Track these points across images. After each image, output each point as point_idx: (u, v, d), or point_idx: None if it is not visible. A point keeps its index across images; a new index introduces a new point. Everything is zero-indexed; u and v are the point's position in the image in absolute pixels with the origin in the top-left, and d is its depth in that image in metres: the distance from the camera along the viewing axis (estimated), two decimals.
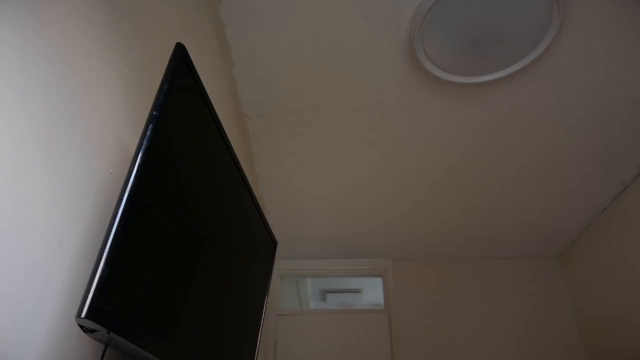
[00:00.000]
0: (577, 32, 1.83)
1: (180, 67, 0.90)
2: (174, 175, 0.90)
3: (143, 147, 0.78)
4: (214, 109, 1.11)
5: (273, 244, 1.71)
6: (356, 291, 4.12)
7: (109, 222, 0.70)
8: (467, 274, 3.63)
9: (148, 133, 0.80)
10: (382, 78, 2.05)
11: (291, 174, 2.71)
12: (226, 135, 1.20)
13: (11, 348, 0.66)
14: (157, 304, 0.86)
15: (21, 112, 0.69)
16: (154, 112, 0.82)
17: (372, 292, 3.78)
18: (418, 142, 2.44)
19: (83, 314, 0.62)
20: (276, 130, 2.39)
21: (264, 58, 1.97)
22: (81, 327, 0.67)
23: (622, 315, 2.82)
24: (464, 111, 2.23)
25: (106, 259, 0.67)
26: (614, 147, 2.45)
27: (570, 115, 2.24)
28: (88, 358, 0.87)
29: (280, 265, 3.67)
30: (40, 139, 0.73)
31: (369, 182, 2.77)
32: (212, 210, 1.13)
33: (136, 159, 0.76)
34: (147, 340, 0.79)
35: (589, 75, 2.02)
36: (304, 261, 3.71)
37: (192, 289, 1.03)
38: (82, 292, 0.82)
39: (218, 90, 1.86)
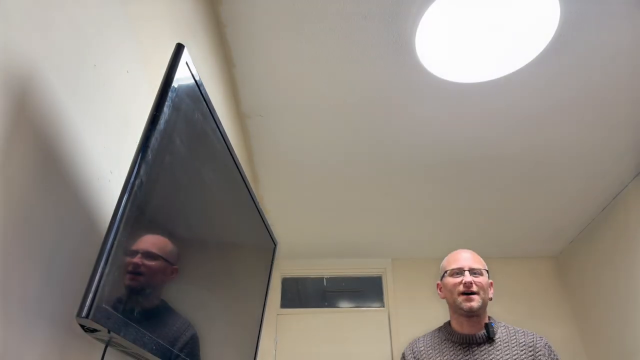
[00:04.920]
0: (577, 33, 1.83)
1: (181, 67, 0.90)
2: (174, 176, 0.90)
3: (143, 147, 0.78)
4: (214, 109, 1.11)
5: (273, 244, 1.71)
6: (356, 291, 4.11)
7: (109, 222, 0.70)
8: None
9: (148, 133, 0.80)
10: (382, 77, 2.05)
11: (291, 173, 2.71)
12: (226, 136, 1.20)
13: (11, 347, 0.66)
14: (158, 304, 0.86)
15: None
16: (154, 112, 0.82)
17: (372, 292, 3.79)
18: (418, 141, 2.45)
19: (83, 314, 0.62)
20: (276, 130, 2.39)
21: (264, 58, 1.97)
22: (82, 326, 0.67)
23: (622, 315, 2.82)
24: (464, 111, 2.24)
25: (107, 259, 0.67)
26: (614, 147, 2.45)
27: (570, 115, 2.25)
28: (89, 357, 0.87)
29: (280, 265, 3.67)
30: (43, 138, 0.73)
31: (369, 181, 2.77)
32: (212, 210, 1.13)
33: (136, 160, 0.76)
34: (147, 340, 0.80)
35: (589, 75, 2.03)
36: (304, 261, 3.71)
37: (192, 289, 1.03)
38: (82, 292, 0.82)
39: (218, 90, 1.86)
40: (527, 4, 1.69)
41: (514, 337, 1.49)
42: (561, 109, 2.21)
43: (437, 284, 1.67)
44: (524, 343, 1.46)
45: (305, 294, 3.98)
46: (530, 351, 1.44)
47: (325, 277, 3.74)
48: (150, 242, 0.83)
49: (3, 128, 0.65)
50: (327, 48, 1.92)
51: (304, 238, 3.41)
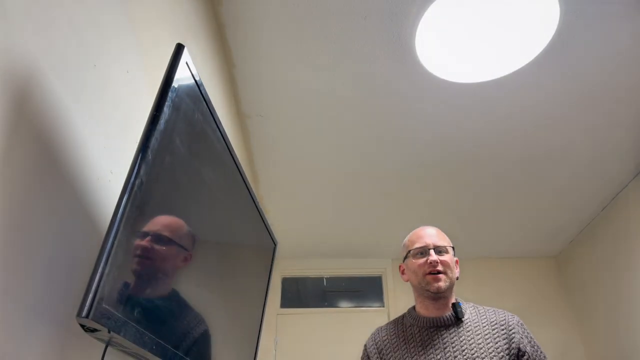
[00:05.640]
0: (577, 32, 1.83)
1: (181, 67, 0.90)
2: (174, 176, 0.90)
3: (143, 147, 0.78)
4: (214, 109, 1.12)
5: (273, 244, 1.71)
6: (356, 291, 4.11)
7: (109, 222, 0.70)
8: (466, 274, 3.63)
9: (148, 133, 0.80)
10: (382, 78, 2.05)
11: (291, 173, 2.72)
12: (226, 136, 1.20)
13: (12, 347, 0.66)
14: (158, 304, 0.86)
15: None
16: (154, 112, 0.82)
17: (372, 292, 3.79)
18: (418, 141, 2.45)
19: (84, 314, 0.62)
20: (276, 130, 2.39)
21: (264, 58, 1.97)
22: (82, 326, 0.67)
23: (621, 315, 2.82)
24: (464, 111, 2.24)
25: (107, 259, 0.67)
26: (613, 147, 2.45)
27: (569, 115, 2.25)
28: (89, 357, 0.87)
29: (280, 265, 3.67)
30: (43, 138, 0.73)
31: (369, 182, 2.77)
32: (212, 210, 1.13)
33: (136, 160, 0.76)
34: (147, 340, 0.80)
35: (589, 75, 2.03)
36: (304, 261, 3.71)
37: (192, 288, 1.03)
38: (82, 292, 0.82)
39: (218, 91, 1.86)
40: (527, 4, 1.69)
41: (484, 316, 1.38)
42: (561, 108, 2.21)
43: (400, 266, 1.53)
44: (495, 322, 1.36)
45: (305, 294, 3.98)
46: (503, 329, 1.33)
47: (325, 277, 3.73)
48: (161, 224, 0.81)
49: (3, 128, 0.65)
50: (327, 48, 1.92)
51: (304, 238, 3.41)
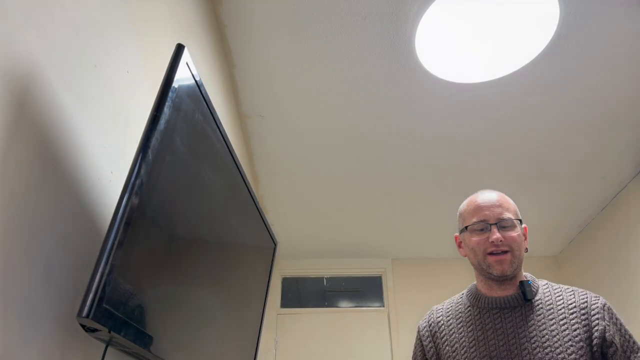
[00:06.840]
0: (577, 33, 1.83)
1: (181, 67, 0.90)
2: (175, 176, 0.90)
3: (144, 147, 0.78)
4: (214, 109, 1.12)
5: (273, 244, 1.71)
6: (356, 291, 4.12)
7: (109, 222, 0.70)
8: (466, 274, 3.63)
9: (149, 133, 0.80)
10: (382, 78, 2.05)
11: (291, 173, 2.72)
12: (227, 136, 1.20)
13: (11, 347, 0.66)
14: (158, 304, 0.86)
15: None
16: (155, 112, 0.82)
17: (372, 292, 3.79)
18: (418, 141, 2.45)
19: (84, 314, 0.62)
20: (276, 130, 2.39)
21: (264, 58, 1.98)
22: (82, 326, 0.67)
23: (621, 314, 2.82)
24: (464, 111, 2.24)
25: (107, 259, 0.67)
26: (613, 147, 2.46)
27: (569, 115, 2.25)
28: (89, 357, 0.87)
29: (280, 265, 3.67)
30: (44, 138, 0.73)
31: (369, 181, 2.77)
32: (213, 210, 1.13)
33: (137, 160, 0.76)
34: (147, 340, 0.80)
35: (588, 75, 2.03)
36: (304, 261, 3.71)
37: (193, 288, 1.03)
38: (83, 292, 0.82)
39: (218, 91, 1.86)
40: (527, 4, 1.69)
41: (560, 296, 1.14)
42: (561, 108, 2.21)
43: (455, 237, 1.27)
44: (573, 303, 1.12)
45: (305, 293, 3.98)
46: (583, 313, 1.09)
47: (325, 277, 3.74)
48: None
49: (3, 128, 0.65)
50: (327, 48, 1.92)
51: (304, 238, 3.42)
